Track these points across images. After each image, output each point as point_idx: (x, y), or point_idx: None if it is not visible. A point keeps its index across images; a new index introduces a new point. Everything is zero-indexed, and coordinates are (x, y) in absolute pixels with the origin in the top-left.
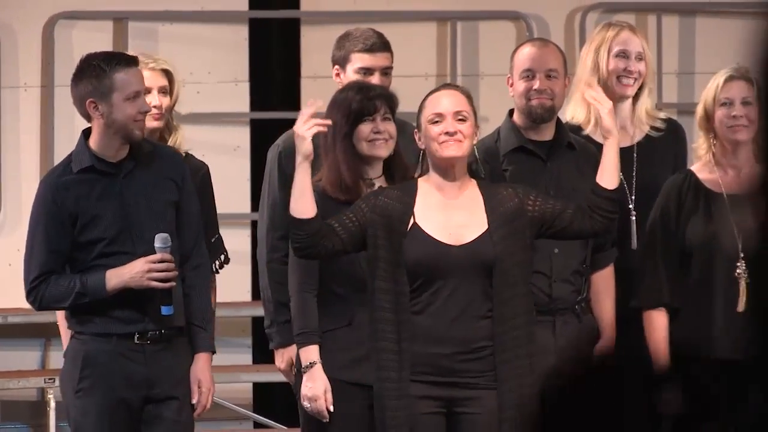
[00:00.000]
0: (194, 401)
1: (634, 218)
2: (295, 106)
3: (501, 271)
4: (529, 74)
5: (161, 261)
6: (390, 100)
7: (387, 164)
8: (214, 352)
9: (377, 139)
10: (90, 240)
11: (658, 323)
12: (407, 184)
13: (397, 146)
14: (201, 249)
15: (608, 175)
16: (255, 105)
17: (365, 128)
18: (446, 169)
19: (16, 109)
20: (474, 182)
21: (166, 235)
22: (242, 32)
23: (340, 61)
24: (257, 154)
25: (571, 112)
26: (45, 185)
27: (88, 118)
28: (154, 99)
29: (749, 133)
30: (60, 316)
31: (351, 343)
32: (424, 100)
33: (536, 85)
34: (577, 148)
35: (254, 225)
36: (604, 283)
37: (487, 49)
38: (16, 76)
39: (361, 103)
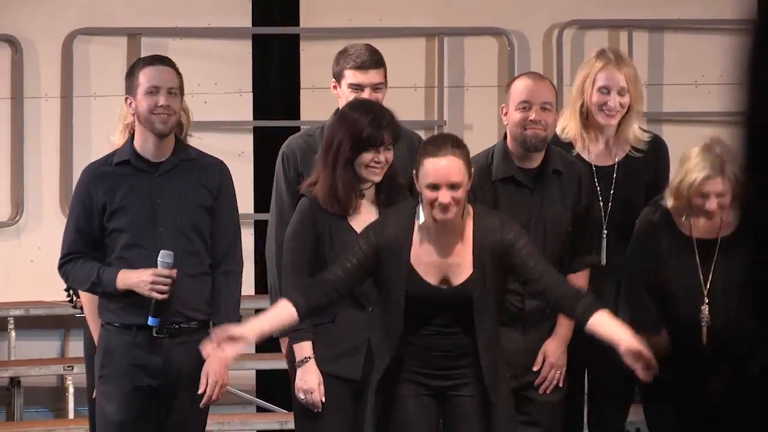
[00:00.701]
0: (200, 391)
1: (605, 236)
2: (295, 115)
3: (480, 306)
4: (526, 106)
5: (167, 276)
6: (395, 130)
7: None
8: None
9: (373, 167)
10: (115, 229)
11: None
12: (404, 220)
13: (394, 164)
14: (233, 257)
15: (598, 335)
16: (257, 114)
17: (368, 156)
18: (436, 224)
19: (38, 118)
20: (470, 213)
21: (170, 252)
22: (246, 47)
23: (337, 76)
24: (260, 159)
25: (563, 123)
26: (84, 173)
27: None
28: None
29: (719, 217)
30: (89, 311)
31: (333, 338)
32: (424, 155)
33: (532, 116)
34: (563, 172)
35: (257, 224)
36: (577, 284)
37: (471, 62)
38: (37, 88)
39: (370, 133)
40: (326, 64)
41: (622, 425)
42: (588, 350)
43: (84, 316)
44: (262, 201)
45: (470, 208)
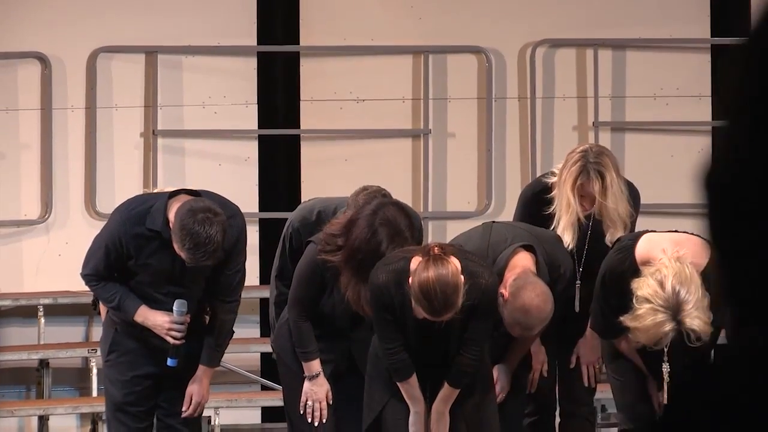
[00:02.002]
0: (183, 408)
1: (578, 286)
2: (296, 124)
3: (454, 339)
4: (525, 329)
5: (181, 323)
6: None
7: None
8: (216, 365)
9: None
10: (138, 274)
11: (627, 348)
12: (405, 286)
13: None
14: (235, 291)
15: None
16: (262, 123)
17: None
18: None
19: (65, 127)
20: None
21: (184, 301)
22: (252, 63)
23: None
24: (263, 163)
25: (561, 234)
26: (121, 223)
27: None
28: None
29: None
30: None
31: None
32: (418, 301)
33: (526, 334)
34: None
35: (261, 222)
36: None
37: (453, 77)
38: (64, 99)
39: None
40: (323, 78)
41: (590, 400)
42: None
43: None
44: (265, 201)
45: (462, 280)
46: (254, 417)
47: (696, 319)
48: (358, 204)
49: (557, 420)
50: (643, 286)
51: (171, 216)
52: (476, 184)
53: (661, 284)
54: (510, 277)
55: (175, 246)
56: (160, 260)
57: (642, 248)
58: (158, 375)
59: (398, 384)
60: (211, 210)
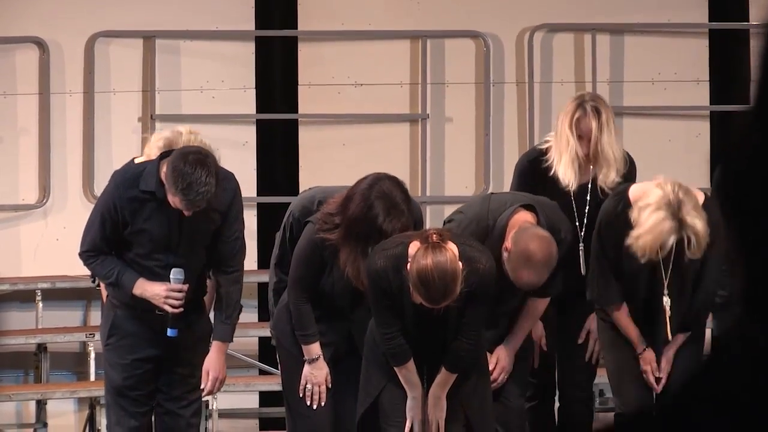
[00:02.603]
0: (202, 386)
1: (582, 249)
2: (294, 108)
3: (451, 324)
4: (523, 287)
5: (179, 291)
6: (408, 219)
7: None
8: (230, 341)
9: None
10: (133, 242)
11: (621, 318)
12: (402, 271)
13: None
14: (235, 260)
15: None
16: (260, 108)
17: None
18: None
19: (63, 111)
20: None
21: (181, 269)
22: (250, 48)
23: None
24: (261, 148)
25: (562, 175)
26: (114, 189)
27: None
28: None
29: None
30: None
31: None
32: (416, 287)
33: (525, 288)
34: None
35: (259, 206)
36: (531, 307)
37: (451, 62)
38: (62, 84)
39: (388, 233)
40: (321, 62)
41: (589, 385)
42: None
43: (74, 287)
44: (263, 185)
45: (460, 267)
46: (252, 401)
47: (696, 218)
48: None
49: (556, 405)
50: (644, 197)
51: (163, 176)
52: (474, 168)
53: (662, 188)
54: (511, 233)
55: (169, 194)
56: (156, 224)
57: (635, 189)
58: (158, 358)
59: (395, 369)
60: (201, 152)
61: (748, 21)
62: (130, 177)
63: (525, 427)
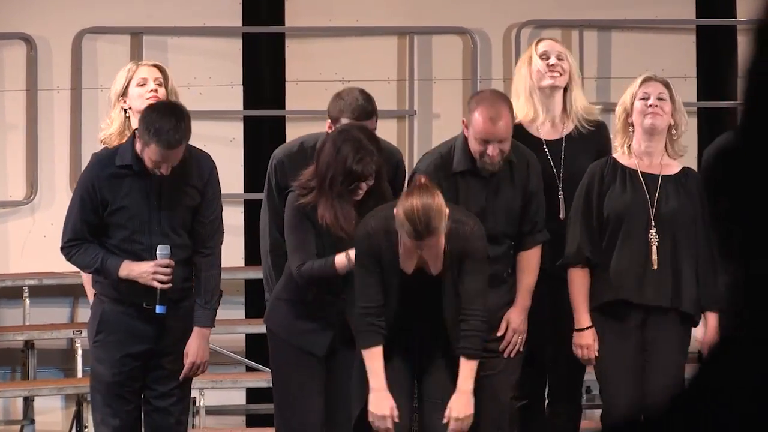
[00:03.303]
0: (184, 371)
1: (561, 196)
2: (281, 105)
3: (448, 293)
4: (483, 142)
5: (166, 266)
6: (380, 160)
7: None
8: (210, 326)
9: (359, 192)
10: (114, 224)
11: (578, 279)
12: (389, 226)
13: (381, 174)
14: (212, 241)
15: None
16: (247, 104)
17: (353, 187)
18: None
19: (50, 108)
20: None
21: (166, 245)
22: (237, 44)
23: (333, 118)
24: (249, 144)
25: (518, 110)
26: (91, 169)
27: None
28: (151, 85)
29: (663, 121)
30: (85, 279)
31: (304, 315)
32: (400, 223)
33: (489, 151)
34: (514, 161)
35: (246, 203)
36: (526, 261)
37: (439, 58)
38: (50, 80)
39: (359, 172)
40: (309, 59)
41: (577, 395)
42: (543, 331)
43: (60, 284)
44: (250, 182)
45: (446, 210)
46: (239, 398)
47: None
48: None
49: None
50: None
51: (138, 147)
52: None
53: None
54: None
55: (145, 148)
56: (135, 200)
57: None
58: (147, 354)
59: (362, 352)
60: (171, 102)
61: (735, 17)
62: (105, 156)
63: (514, 426)
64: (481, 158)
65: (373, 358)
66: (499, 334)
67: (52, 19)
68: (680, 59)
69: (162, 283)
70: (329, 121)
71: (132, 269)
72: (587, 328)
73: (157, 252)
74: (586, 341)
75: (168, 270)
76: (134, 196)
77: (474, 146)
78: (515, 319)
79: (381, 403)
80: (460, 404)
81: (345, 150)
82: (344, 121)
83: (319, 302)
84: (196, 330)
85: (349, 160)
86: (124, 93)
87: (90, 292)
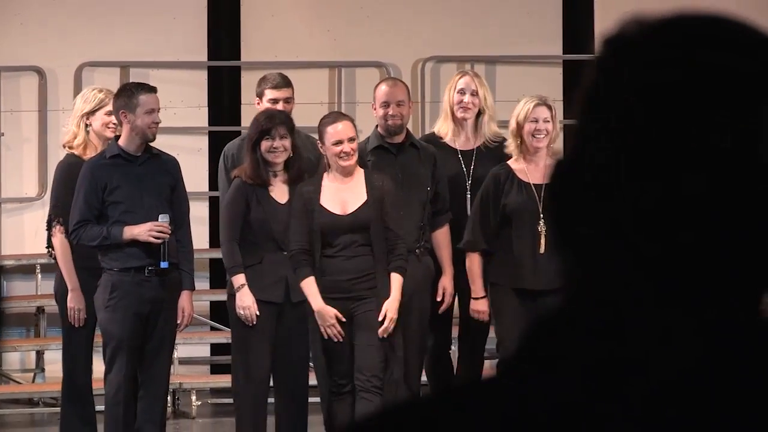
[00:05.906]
0: (178, 321)
1: (469, 196)
2: (238, 123)
3: (375, 227)
4: (385, 104)
5: (163, 228)
6: (288, 123)
7: (287, 161)
8: (194, 289)
9: (273, 152)
10: (113, 202)
11: (474, 260)
12: (316, 179)
13: (298, 150)
14: (184, 224)
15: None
16: (211, 122)
17: (265, 144)
18: (343, 170)
19: (57, 125)
20: (361, 172)
21: (167, 214)
22: (203, 75)
23: (259, 95)
24: (212, 153)
25: (438, 127)
26: (87, 165)
27: (120, 123)
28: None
29: (546, 141)
30: (60, 258)
31: (261, 274)
32: (325, 126)
33: (390, 111)
34: (419, 147)
35: (210, 199)
36: (441, 238)
37: (361, 85)
38: (57, 103)
39: (264, 126)
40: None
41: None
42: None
43: (52, 263)
44: (213, 182)
45: (362, 170)
46: (204, 351)
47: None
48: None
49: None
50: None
51: (122, 143)
52: None
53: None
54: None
55: (133, 115)
56: (126, 179)
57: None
58: (148, 316)
59: (300, 284)
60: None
61: (595, 53)
62: (96, 156)
63: (423, 355)
64: (386, 122)
65: (308, 286)
66: (438, 299)
67: (58, 54)
68: (550, 86)
69: (157, 239)
70: (257, 98)
71: (133, 231)
72: (482, 297)
73: (159, 219)
74: (482, 307)
75: (164, 229)
76: (125, 177)
77: (379, 113)
78: (448, 285)
79: (325, 315)
80: (393, 307)
81: (261, 115)
82: (267, 93)
83: (271, 262)
84: (185, 292)
85: (260, 120)
86: (92, 113)
87: (66, 270)
